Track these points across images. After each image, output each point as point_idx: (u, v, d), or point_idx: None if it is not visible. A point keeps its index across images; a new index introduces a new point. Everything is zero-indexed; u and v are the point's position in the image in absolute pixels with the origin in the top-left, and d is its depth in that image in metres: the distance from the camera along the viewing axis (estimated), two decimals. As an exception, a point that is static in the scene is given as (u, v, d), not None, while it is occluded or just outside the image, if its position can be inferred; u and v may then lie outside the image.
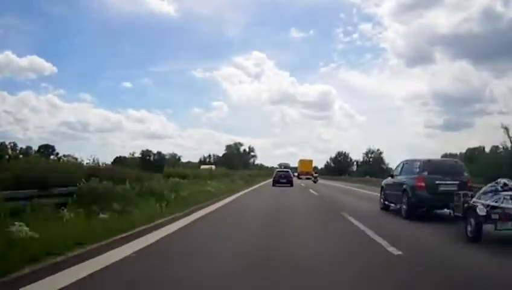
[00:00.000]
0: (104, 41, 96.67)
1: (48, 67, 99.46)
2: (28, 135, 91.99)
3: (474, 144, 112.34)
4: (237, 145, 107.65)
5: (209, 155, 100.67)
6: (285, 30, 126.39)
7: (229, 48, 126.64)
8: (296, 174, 73.76)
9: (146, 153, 78.71)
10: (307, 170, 59.19)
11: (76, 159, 13.65)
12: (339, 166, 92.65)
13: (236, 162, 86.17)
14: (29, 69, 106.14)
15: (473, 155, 53.53)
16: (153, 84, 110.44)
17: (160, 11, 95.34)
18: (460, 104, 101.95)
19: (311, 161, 65.59)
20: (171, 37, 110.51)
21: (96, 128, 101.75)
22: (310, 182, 41.33)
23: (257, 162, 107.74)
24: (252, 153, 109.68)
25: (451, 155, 51.17)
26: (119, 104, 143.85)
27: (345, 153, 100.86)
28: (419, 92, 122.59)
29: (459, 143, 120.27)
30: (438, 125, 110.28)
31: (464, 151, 57.71)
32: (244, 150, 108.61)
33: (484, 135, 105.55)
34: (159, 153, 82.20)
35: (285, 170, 36.50)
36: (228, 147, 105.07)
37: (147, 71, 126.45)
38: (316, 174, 43.81)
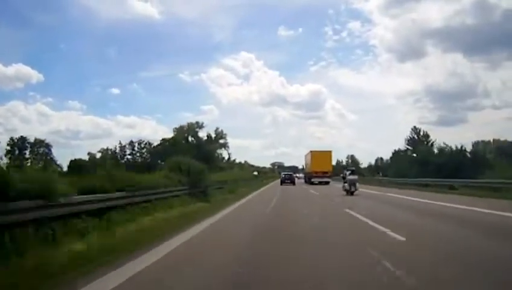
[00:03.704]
0: (89, 47, 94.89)
1: (35, 75, 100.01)
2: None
3: (470, 138, 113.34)
4: (194, 125, 69.69)
5: (132, 142, 63.82)
6: (273, 29, 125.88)
7: (217, 50, 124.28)
8: (299, 175, 57.40)
9: (19, 144, 51.90)
10: (324, 169, 38.22)
11: None
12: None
13: (185, 158, 54.70)
14: (16, 78, 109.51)
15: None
16: (141, 90, 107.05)
17: (145, 15, 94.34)
18: (453, 99, 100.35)
19: (329, 154, 41.07)
20: (157, 41, 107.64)
21: (87, 135, 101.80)
22: (333, 192, 22.84)
23: (233, 157, 77.49)
24: (222, 141, 71.76)
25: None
26: (108, 111, 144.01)
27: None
28: (412, 88, 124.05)
29: (453, 138, 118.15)
30: (431, 121, 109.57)
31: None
32: (209, 136, 70.81)
33: (479, 130, 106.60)
34: (40, 141, 54.54)
35: (288, 173, 45.50)
36: (179, 129, 69.16)
37: (135, 76, 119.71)
38: (353, 177, 20.42)
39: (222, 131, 72.16)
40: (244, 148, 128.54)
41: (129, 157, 65.07)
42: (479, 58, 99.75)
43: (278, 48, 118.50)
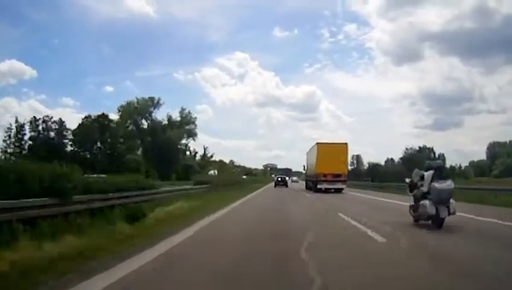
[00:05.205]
0: (84, 44, 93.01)
1: (28, 72, 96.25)
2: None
3: (464, 142, 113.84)
4: (148, 102, 51.55)
5: (35, 120, 43.77)
6: (268, 30, 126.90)
7: (211, 50, 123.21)
8: (293, 179, 56.40)
9: None
10: (336, 170, 26.82)
11: None
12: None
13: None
14: (10, 74, 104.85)
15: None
16: (135, 88, 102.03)
17: (140, 14, 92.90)
18: (449, 103, 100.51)
19: (344, 148, 28.31)
20: (152, 40, 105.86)
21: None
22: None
23: (230, 158, 65.79)
24: (188, 127, 53.30)
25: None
26: (102, 109, 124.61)
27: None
28: (408, 91, 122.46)
29: (449, 142, 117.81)
30: (427, 125, 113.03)
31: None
32: (170, 119, 52.75)
33: (474, 134, 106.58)
34: None
35: (282, 175, 48.79)
36: (125, 108, 50.48)
37: (129, 75, 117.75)
38: (445, 184, 7.92)
39: (190, 113, 54.14)
40: (238, 149, 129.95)
41: (30, 143, 45.00)
42: (476, 62, 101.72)
43: (273, 48, 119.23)
